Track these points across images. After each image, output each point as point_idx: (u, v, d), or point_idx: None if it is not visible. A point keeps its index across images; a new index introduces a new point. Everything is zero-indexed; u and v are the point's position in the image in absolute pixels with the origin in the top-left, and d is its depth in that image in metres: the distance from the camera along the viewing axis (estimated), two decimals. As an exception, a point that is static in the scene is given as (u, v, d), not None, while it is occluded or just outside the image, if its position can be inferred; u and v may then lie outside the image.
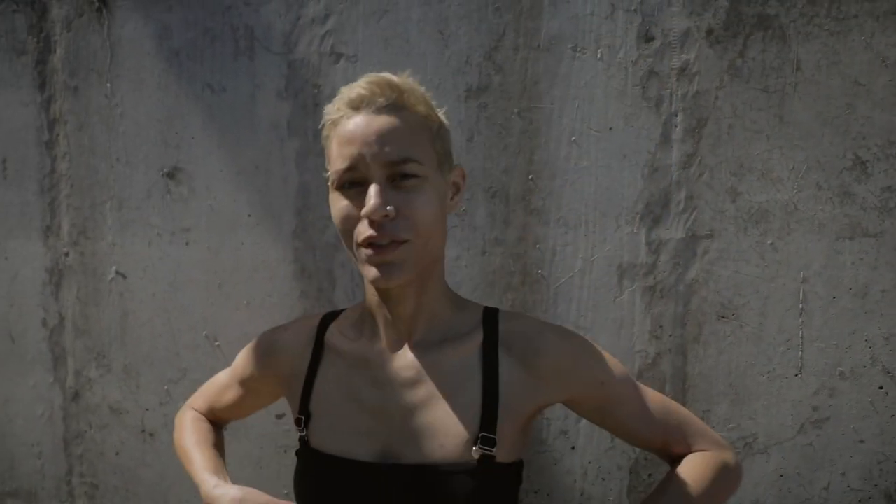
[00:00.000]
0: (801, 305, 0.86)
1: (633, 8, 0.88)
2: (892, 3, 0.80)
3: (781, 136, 0.85)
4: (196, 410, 0.94)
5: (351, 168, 0.68)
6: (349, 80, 1.03)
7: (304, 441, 0.78)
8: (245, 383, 0.88)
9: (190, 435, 0.90)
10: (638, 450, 0.93)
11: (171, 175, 1.16)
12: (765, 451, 0.89)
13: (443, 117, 0.75)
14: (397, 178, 0.68)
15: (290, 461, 1.10)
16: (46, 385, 1.33)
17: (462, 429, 0.71)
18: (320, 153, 1.06)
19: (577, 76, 0.91)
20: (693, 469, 0.72)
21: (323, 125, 0.73)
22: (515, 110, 0.94)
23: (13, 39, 1.28)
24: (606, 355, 0.75)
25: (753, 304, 0.87)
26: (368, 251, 0.69)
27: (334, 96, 0.82)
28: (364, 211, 0.67)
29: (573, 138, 0.92)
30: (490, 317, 0.77)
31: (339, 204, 0.71)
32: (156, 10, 1.15)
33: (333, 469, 0.74)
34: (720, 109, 0.86)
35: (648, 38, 0.88)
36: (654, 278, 0.90)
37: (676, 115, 0.88)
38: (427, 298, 0.75)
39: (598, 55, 0.90)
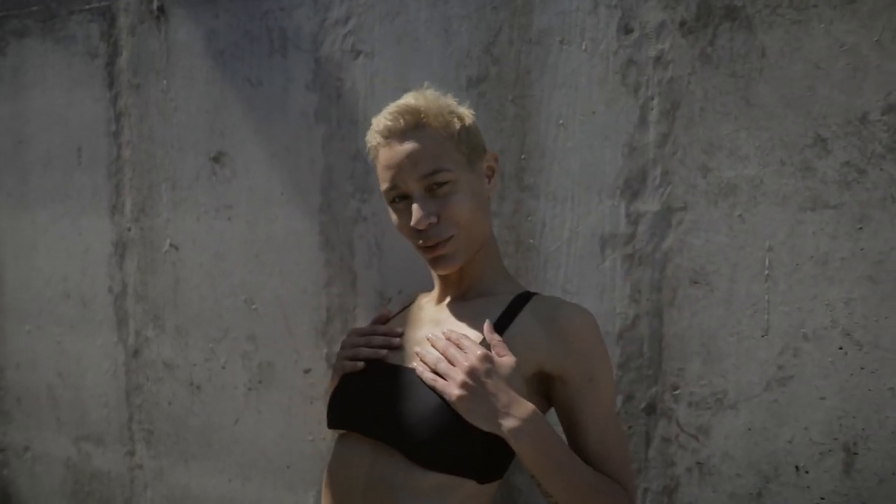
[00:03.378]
0: (766, 272, 0.93)
1: (613, 4, 0.98)
2: (851, -7, 0.87)
3: (748, 117, 0.93)
4: None
5: (393, 188, 0.86)
6: (367, 73, 1.16)
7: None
8: None
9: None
10: (619, 403, 1.03)
11: (216, 159, 1.32)
12: (734, 407, 0.97)
13: (466, 115, 0.89)
14: (433, 188, 0.84)
15: (316, 411, 1.25)
16: (112, 344, 1.52)
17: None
18: (343, 138, 1.20)
19: (564, 66, 1.01)
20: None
21: (368, 151, 0.91)
22: (510, 97, 1.06)
23: (88, 45, 1.47)
24: (608, 365, 0.87)
25: (723, 270, 0.96)
26: (426, 252, 0.87)
27: (354, 88, 0.96)
28: (411, 223, 0.84)
29: (560, 122, 1.03)
30: (528, 292, 0.91)
31: (393, 216, 0.90)
32: (205, 16, 1.31)
33: (356, 374, 0.91)
34: (692, 94, 0.95)
35: (627, 31, 0.98)
36: (633, 247, 1.00)
37: (653, 100, 0.97)
38: (474, 266, 0.91)
39: (583, 47, 1.00)
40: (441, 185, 0.84)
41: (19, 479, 1.73)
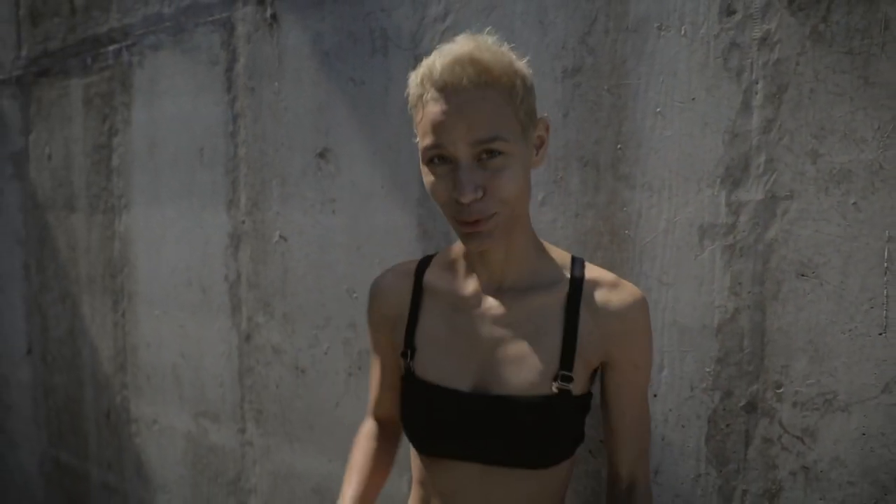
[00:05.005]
0: (885, 264, 0.87)
1: (715, -15, 0.95)
2: None
3: (866, 97, 0.87)
4: (372, 418, 1.04)
5: (436, 147, 0.73)
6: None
7: (409, 371, 0.88)
8: (379, 349, 0.98)
9: (354, 455, 1.00)
10: (717, 399, 0.99)
11: (321, 156, 1.40)
12: (846, 409, 0.90)
13: (527, 73, 0.77)
14: (483, 157, 0.73)
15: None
16: (227, 328, 1.65)
17: (544, 366, 0.83)
18: (439, 133, 1.24)
19: (662, 53, 0.99)
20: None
21: (408, 95, 0.79)
22: (606, 87, 1.05)
23: (210, 54, 1.61)
24: (651, 349, 0.89)
25: (834, 262, 0.90)
26: (462, 227, 0.76)
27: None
28: (455, 195, 0.73)
29: (658, 110, 1.00)
30: (576, 268, 0.88)
31: (428, 178, 0.77)
32: (312, 20, 1.40)
33: (435, 396, 0.85)
34: (801, 75, 0.90)
35: (730, 12, 0.94)
36: (734, 238, 0.96)
37: (757, 83, 0.93)
38: (515, 247, 0.85)
39: (682, 32, 0.98)
40: (494, 155, 0.73)
41: (149, 447, 1.92)
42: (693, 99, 0.98)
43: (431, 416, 0.86)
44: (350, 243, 1.37)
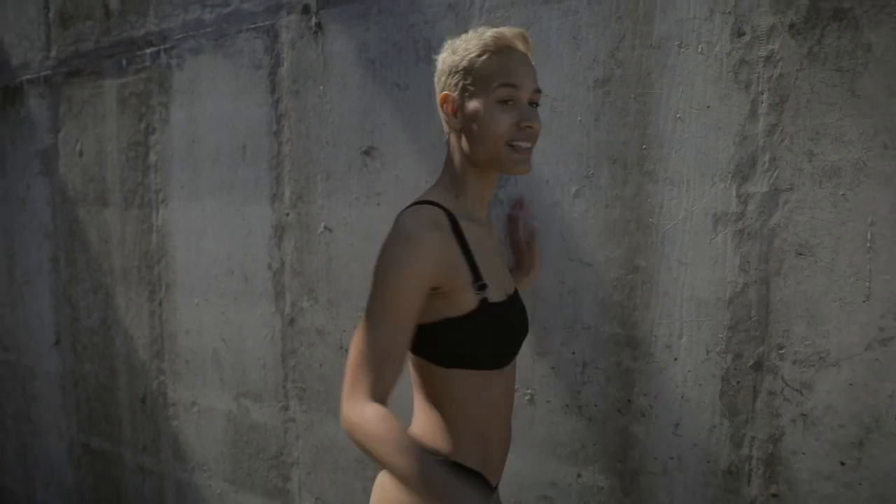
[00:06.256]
0: (868, 244, 1.06)
1: (727, 10, 1.12)
2: (951, -4, 0.98)
3: (852, 107, 1.05)
4: (377, 403, 0.88)
5: (512, 86, 0.96)
6: (502, 76, 1.35)
7: (485, 300, 0.97)
8: (415, 306, 0.91)
9: (389, 434, 0.84)
10: (729, 360, 1.17)
11: (367, 153, 1.55)
12: (836, 365, 1.09)
13: None
14: (533, 102, 1.00)
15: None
16: (270, 314, 1.78)
17: (508, 270, 1.15)
18: (478, 134, 1.39)
19: (682, 67, 1.17)
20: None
21: (463, 58, 0.99)
22: (632, 96, 1.22)
23: (253, 58, 1.74)
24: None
25: (826, 243, 1.08)
26: (517, 152, 0.99)
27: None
28: (525, 123, 0.97)
29: (678, 116, 1.18)
30: None
31: (495, 114, 0.97)
32: (357, 30, 1.54)
33: (505, 312, 1.03)
34: (799, 88, 1.08)
35: (740, 34, 1.12)
36: (743, 224, 1.14)
37: (762, 94, 1.11)
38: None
39: (699, 49, 1.15)
40: (535, 103, 1.01)
41: (187, 429, 2.04)
42: (708, 107, 1.15)
43: (509, 330, 1.03)
44: (393, 233, 1.52)
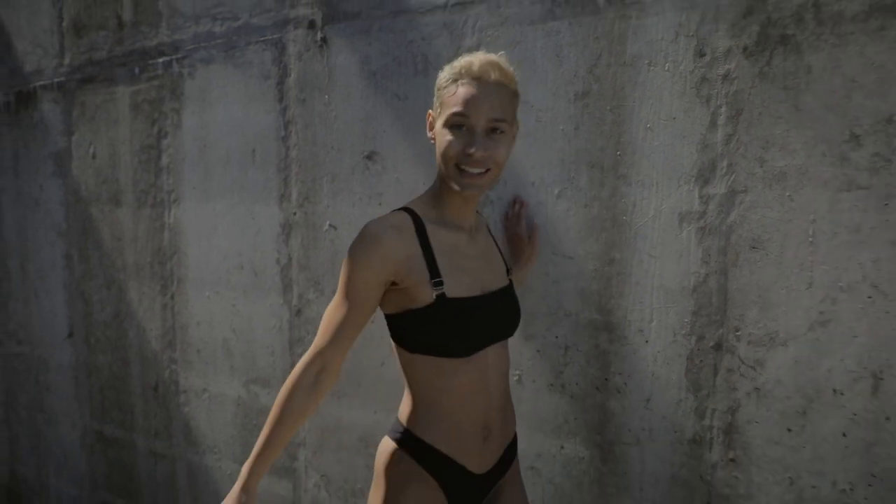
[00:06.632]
0: (810, 239, 1.22)
1: (691, 34, 1.28)
2: (878, 22, 1.14)
3: (796, 120, 1.21)
4: (321, 361, 1.09)
5: (462, 115, 1.05)
6: (493, 89, 1.49)
7: (441, 296, 1.10)
8: (367, 292, 1.09)
9: (293, 404, 1.08)
10: (693, 342, 1.33)
11: (369, 157, 1.69)
12: (784, 344, 1.25)
13: (518, 89, 1.14)
14: (490, 131, 1.07)
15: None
16: (278, 305, 1.93)
17: (501, 269, 1.26)
18: (471, 140, 1.54)
19: (651, 83, 1.32)
20: None
21: (440, 81, 1.10)
22: (608, 108, 1.37)
23: (262, 69, 1.88)
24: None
25: (775, 238, 1.24)
26: (462, 175, 1.08)
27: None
28: (469, 150, 1.05)
29: (648, 126, 1.34)
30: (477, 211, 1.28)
31: (446, 137, 1.07)
32: (360, 44, 1.69)
33: (469, 306, 1.13)
34: (752, 102, 1.24)
35: (702, 55, 1.28)
36: (705, 221, 1.30)
37: (721, 108, 1.27)
38: (476, 202, 1.21)
39: (666, 68, 1.31)
40: (496, 131, 1.07)
41: (198, 414, 2.18)
42: (674, 118, 1.31)
43: (472, 321, 1.13)
44: (393, 230, 1.67)
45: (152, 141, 2.17)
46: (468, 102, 1.06)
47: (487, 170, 1.09)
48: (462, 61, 1.09)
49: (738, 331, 1.29)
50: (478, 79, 1.06)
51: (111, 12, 2.24)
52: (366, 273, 1.09)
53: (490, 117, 1.06)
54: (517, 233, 1.47)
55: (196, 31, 2.01)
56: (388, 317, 1.18)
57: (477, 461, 1.17)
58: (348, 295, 1.10)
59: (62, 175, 2.48)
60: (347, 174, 1.74)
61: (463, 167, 1.08)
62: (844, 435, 1.21)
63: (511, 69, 1.12)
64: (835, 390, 1.22)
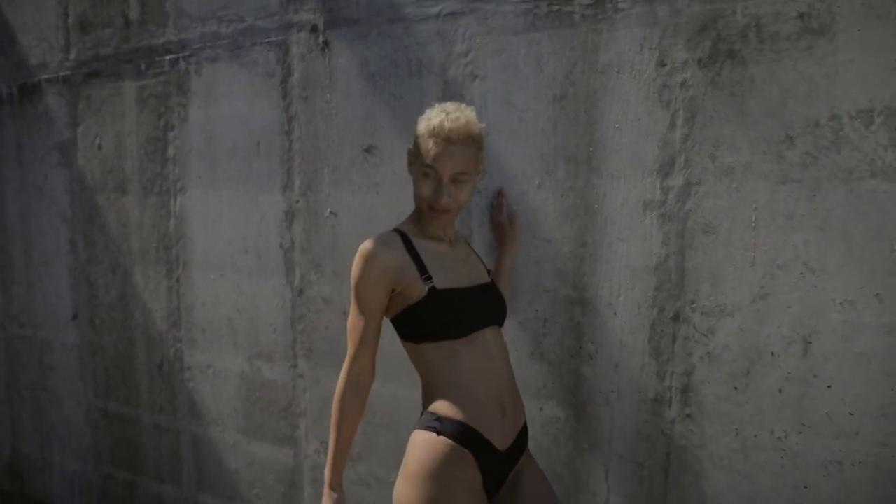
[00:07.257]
0: (753, 224, 1.43)
1: (654, 47, 1.48)
2: (808, 41, 1.35)
3: (741, 123, 1.42)
4: (364, 368, 1.38)
5: (431, 167, 1.30)
6: (481, 92, 1.68)
7: (433, 288, 1.32)
8: (377, 305, 1.35)
9: (341, 409, 1.38)
10: (655, 313, 1.54)
11: (367, 150, 1.87)
12: (731, 315, 1.46)
13: (482, 136, 1.37)
14: (455, 179, 1.31)
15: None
16: (281, 286, 2.09)
17: (482, 269, 1.46)
18: (461, 136, 1.72)
19: (620, 88, 1.52)
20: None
21: (419, 129, 1.34)
22: (583, 109, 1.57)
23: (267, 68, 2.03)
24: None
25: (724, 224, 1.45)
26: (433, 212, 1.34)
27: (472, 102, 1.48)
28: (437, 195, 1.31)
29: (617, 126, 1.53)
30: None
31: (421, 182, 1.34)
32: (359, 48, 1.85)
33: (459, 294, 1.36)
34: (705, 107, 1.44)
35: (663, 65, 1.47)
36: (665, 209, 1.50)
37: (679, 111, 1.47)
38: (453, 223, 1.44)
39: (633, 75, 1.50)
40: (461, 180, 1.32)
41: (203, 388, 2.33)
42: (639, 119, 1.51)
43: (464, 306, 1.35)
44: (390, 216, 1.84)
45: (159, 133, 2.31)
46: (437, 158, 1.30)
47: (452, 209, 1.35)
48: (435, 121, 1.31)
49: (693, 303, 1.50)
50: (447, 139, 1.29)
51: (118, 11, 2.36)
52: (370, 286, 1.33)
53: (455, 171, 1.31)
54: (500, 220, 1.66)
55: (202, 32, 2.16)
56: (392, 320, 1.39)
57: (499, 436, 1.32)
58: (361, 307, 1.35)
59: (67, 165, 2.60)
60: (347, 165, 1.90)
61: (432, 207, 1.33)
62: (780, 391, 1.43)
63: (477, 125, 1.34)
64: (772, 353, 1.43)
